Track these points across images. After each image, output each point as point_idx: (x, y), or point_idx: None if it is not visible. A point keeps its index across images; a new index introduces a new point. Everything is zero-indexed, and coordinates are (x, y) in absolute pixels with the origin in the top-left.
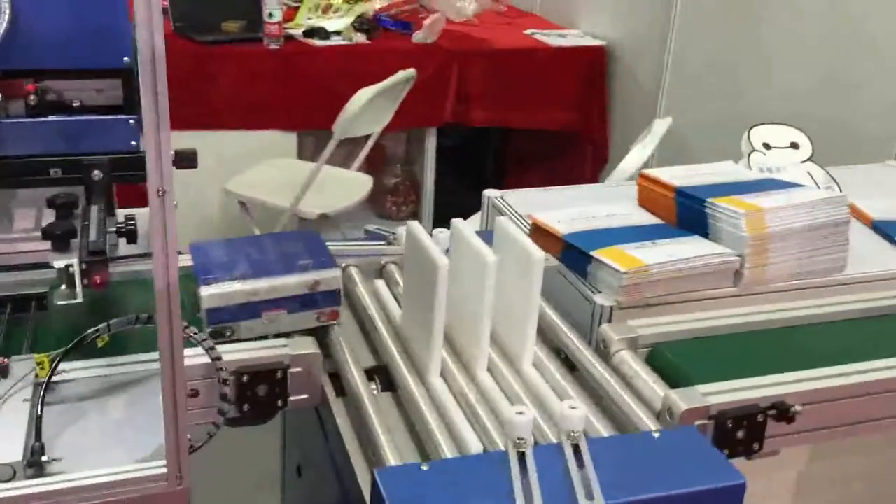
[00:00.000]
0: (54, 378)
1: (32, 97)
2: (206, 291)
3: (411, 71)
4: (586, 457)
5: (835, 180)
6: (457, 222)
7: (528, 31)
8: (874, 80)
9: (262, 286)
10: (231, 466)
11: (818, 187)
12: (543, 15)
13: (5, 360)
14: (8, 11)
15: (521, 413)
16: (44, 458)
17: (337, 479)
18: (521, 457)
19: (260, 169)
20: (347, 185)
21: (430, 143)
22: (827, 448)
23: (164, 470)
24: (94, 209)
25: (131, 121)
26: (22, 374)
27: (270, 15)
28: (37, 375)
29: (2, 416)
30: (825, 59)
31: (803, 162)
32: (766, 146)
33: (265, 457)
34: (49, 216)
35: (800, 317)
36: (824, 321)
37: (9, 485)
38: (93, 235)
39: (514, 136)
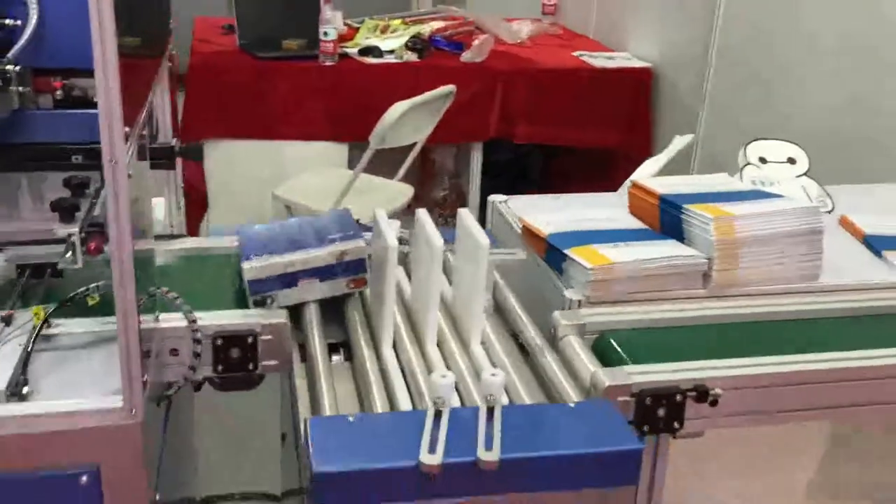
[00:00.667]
0: (51, 330)
1: (59, 92)
2: (247, 265)
3: (450, 87)
4: (497, 417)
5: (829, 196)
6: (420, 212)
7: (576, 53)
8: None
9: (297, 258)
10: (239, 437)
11: (810, 201)
12: (597, 38)
13: (12, 312)
14: (36, 15)
15: (444, 376)
16: (25, 390)
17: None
18: (438, 415)
19: (307, 176)
20: (388, 194)
21: (476, 158)
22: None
23: (121, 404)
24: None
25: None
26: (22, 323)
27: (325, 34)
28: (34, 325)
29: None
30: (858, 77)
31: (798, 176)
32: (762, 160)
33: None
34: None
35: (748, 314)
36: (775, 319)
37: None
38: (97, 212)
39: (559, 154)
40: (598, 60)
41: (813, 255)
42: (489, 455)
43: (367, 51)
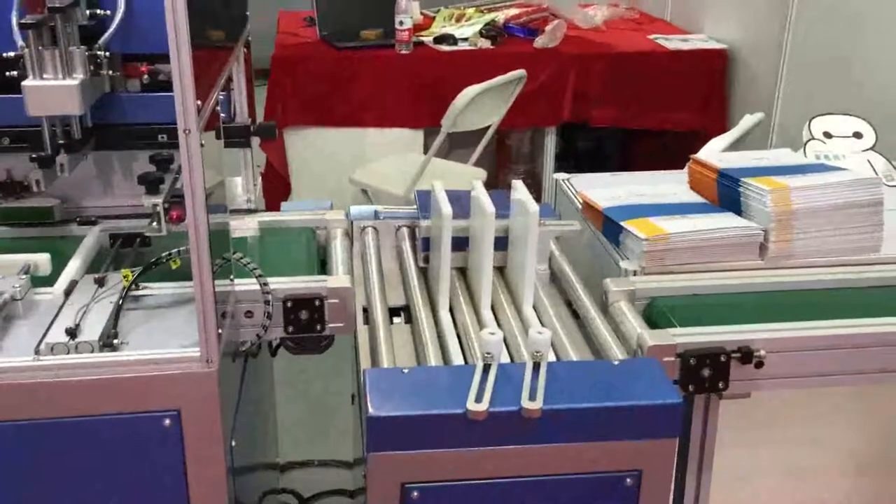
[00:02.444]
0: (140, 292)
1: (146, 77)
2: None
3: (521, 71)
4: (543, 371)
5: None
6: (476, 184)
7: (651, 36)
8: None
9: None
10: (317, 404)
11: (875, 174)
12: (673, 21)
13: (105, 275)
14: (124, 5)
15: (492, 333)
16: (115, 341)
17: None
18: (487, 368)
19: (383, 161)
20: (461, 178)
21: (550, 142)
22: None
23: (198, 353)
24: None
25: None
26: (114, 283)
27: (401, 23)
28: (123, 286)
29: (94, 312)
30: None
31: (865, 151)
32: (827, 135)
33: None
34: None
35: (800, 282)
36: (828, 288)
37: (88, 355)
38: (179, 185)
39: (638, 138)
40: (673, 43)
41: (872, 226)
42: (532, 404)
43: (442, 39)
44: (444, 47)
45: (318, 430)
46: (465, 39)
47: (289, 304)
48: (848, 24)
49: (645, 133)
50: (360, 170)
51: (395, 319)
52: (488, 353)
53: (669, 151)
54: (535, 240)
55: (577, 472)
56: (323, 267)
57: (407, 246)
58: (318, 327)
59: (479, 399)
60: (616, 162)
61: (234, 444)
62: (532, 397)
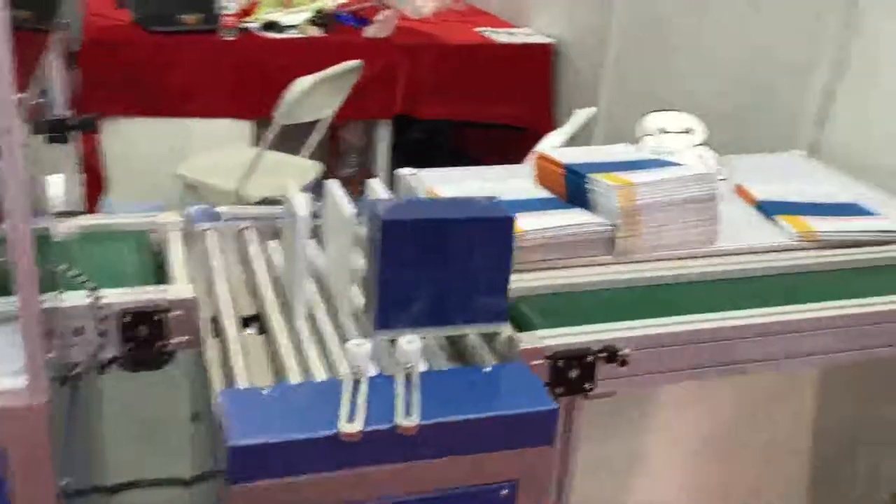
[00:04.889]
0: None
1: None
2: None
3: (357, 62)
4: (415, 383)
5: (725, 165)
6: (329, 183)
7: (479, 29)
8: (787, 74)
9: None
10: (148, 421)
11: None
12: (499, 14)
13: None
14: None
15: (359, 345)
16: None
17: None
18: (356, 384)
19: (211, 154)
20: (295, 171)
21: (384, 135)
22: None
23: (24, 384)
24: None
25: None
26: None
27: (224, 7)
28: None
29: None
30: (743, 54)
31: (696, 146)
32: (661, 131)
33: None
34: None
35: (651, 277)
36: (678, 282)
37: None
38: None
39: (467, 132)
40: (501, 36)
41: (709, 220)
42: (408, 421)
43: (270, 26)
44: (272, 34)
45: (149, 449)
46: (294, 27)
47: (126, 319)
48: (669, 23)
49: (475, 126)
50: (184, 164)
51: (248, 330)
52: (356, 367)
53: (500, 145)
54: None
55: (454, 487)
56: (159, 276)
57: (255, 249)
58: (161, 343)
59: (351, 418)
60: (446, 156)
61: (65, 482)
62: (407, 413)
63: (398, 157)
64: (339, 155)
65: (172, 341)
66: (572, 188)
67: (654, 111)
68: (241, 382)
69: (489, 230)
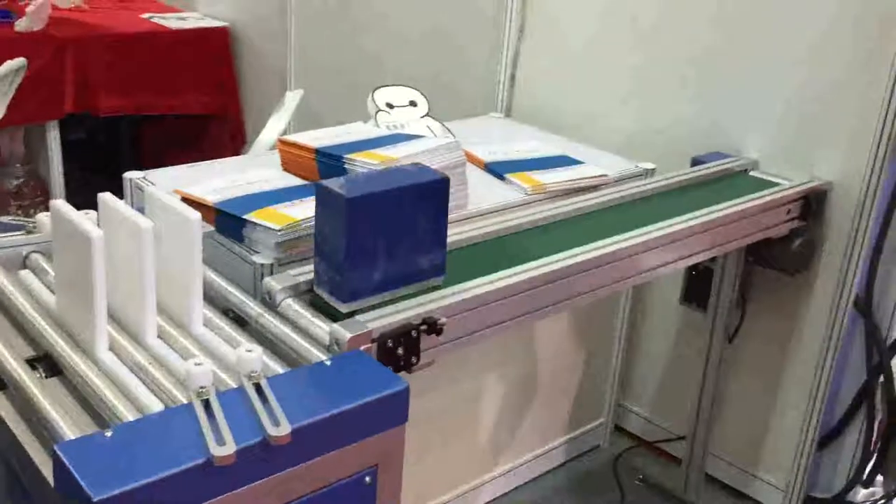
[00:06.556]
0: None
1: None
2: None
3: (20, 60)
4: (268, 392)
5: (450, 131)
6: (104, 196)
7: (145, 15)
8: (476, 42)
9: None
10: None
11: (436, 137)
12: None
13: None
14: None
15: (199, 364)
16: None
17: (11, 478)
18: (207, 404)
19: None
20: None
21: (54, 139)
22: None
23: None
24: None
25: None
26: None
27: None
28: None
29: None
30: (433, 22)
31: (422, 118)
32: (390, 105)
33: None
34: None
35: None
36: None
37: None
38: None
39: (149, 124)
40: (171, 22)
41: (462, 185)
42: (279, 430)
43: None
44: None
45: None
46: None
47: None
48: (348, 2)
49: (155, 119)
50: None
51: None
52: (202, 388)
53: (185, 135)
54: (198, 249)
55: (322, 488)
56: None
57: (32, 280)
58: None
59: (220, 441)
60: (128, 154)
61: None
62: (275, 422)
63: (70, 161)
64: (1, 166)
65: None
66: (327, 171)
67: (380, 87)
68: (68, 431)
69: (431, 192)
